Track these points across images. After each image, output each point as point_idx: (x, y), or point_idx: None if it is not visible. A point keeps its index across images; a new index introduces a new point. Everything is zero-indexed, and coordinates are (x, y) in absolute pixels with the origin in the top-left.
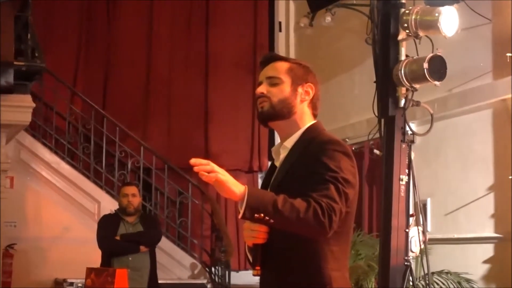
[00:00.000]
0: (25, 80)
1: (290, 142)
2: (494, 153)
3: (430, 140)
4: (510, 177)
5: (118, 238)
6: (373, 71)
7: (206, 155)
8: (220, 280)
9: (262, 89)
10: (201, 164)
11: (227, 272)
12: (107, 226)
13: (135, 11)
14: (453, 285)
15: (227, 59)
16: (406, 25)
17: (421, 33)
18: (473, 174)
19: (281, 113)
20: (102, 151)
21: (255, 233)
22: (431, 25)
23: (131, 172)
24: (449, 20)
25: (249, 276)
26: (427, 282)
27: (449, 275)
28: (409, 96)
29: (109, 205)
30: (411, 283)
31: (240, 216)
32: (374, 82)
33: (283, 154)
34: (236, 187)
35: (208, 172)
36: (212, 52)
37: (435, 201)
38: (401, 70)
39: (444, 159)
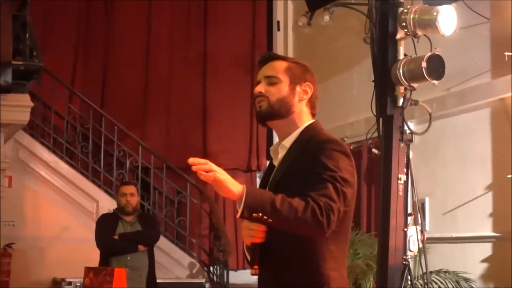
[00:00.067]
0: (24, 79)
1: (288, 141)
2: (493, 152)
3: (428, 139)
4: (509, 176)
5: (116, 237)
6: (372, 70)
7: (205, 155)
8: (218, 279)
9: (260, 88)
10: (199, 163)
11: (225, 271)
12: (105, 225)
13: (133, 10)
14: (451, 284)
15: (225, 59)
16: (404, 24)
17: (419, 32)
18: (472, 173)
19: (279, 112)
20: (100, 151)
21: (253, 232)
22: (430, 24)
23: (130, 171)
24: (447, 19)
25: (247, 276)
26: (426, 281)
27: (447, 274)
28: (408, 95)
29: (108, 204)
30: (409, 282)
31: (238, 215)
32: (373, 81)
33: (281, 153)
34: (235, 187)
35: (207, 172)
36: (210, 52)
37: (434, 200)
38: (399, 69)
39: (443, 158)
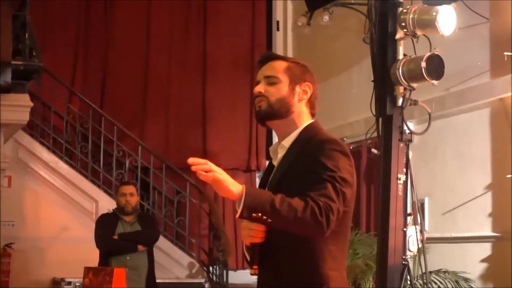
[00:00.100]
0: (23, 79)
1: (288, 141)
2: (492, 152)
3: (428, 139)
4: (508, 176)
5: (116, 237)
6: (371, 70)
7: (204, 154)
8: (218, 279)
9: (260, 88)
10: (198, 163)
11: (225, 271)
12: (105, 225)
13: (133, 10)
14: (450, 284)
15: (225, 59)
16: (404, 24)
17: (419, 32)
18: (471, 173)
19: (279, 112)
20: (100, 151)
21: (252, 232)
22: (429, 24)
23: (129, 171)
24: (446, 19)
25: (247, 275)
26: (425, 281)
27: (446, 274)
28: (407, 95)
29: (107, 204)
30: (408, 282)
31: (237, 215)
32: (372, 81)
33: (281, 153)
34: (234, 187)
35: (206, 171)
36: (210, 52)
37: (433, 200)
38: (399, 69)
39: (442, 158)
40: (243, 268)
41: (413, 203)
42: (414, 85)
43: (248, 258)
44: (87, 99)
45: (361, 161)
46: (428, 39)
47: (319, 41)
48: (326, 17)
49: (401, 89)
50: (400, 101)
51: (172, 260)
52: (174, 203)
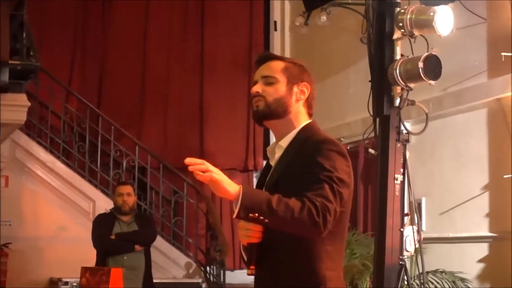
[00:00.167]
0: (20, 79)
1: (285, 142)
2: (489, 152)
3: (425, 139)
4: (505, 176)
5: (113, 237)
6: (368, 70)
7: (202, 154)
8: (215, 279)
9: (257, 88)
10: (196, 164)
11: (222, 271)
12: (102, 225)
13: (130, 10)
14: (448, 284)
15: (222, 59)
16: (401, 24)
17: (416, 33)
18: (468, 173)
19: (276, 112)
20: (97, 150)
21: (250, 232)
22: (426, 24)
23: (126, 171)
24: (444, 19)
25: (244, 275)
26: (422, 281)
27: (444, 274)
28: (404, 95)
29: (104, 204)
30: (405, 282)
31: (235, 215)
32: (369, 81)
33: (278, 153)
34: (231, 187)
35: (203, 172)
36: (207, 52)
37: (430, 200)
38: (396, 69)
39: (439, 158)
40: (240, 268)
41: (410, 203)
42: (412, 85)
43: (245, 258)
44: (85, 99)
45: (358, 161)
46: (426, 39)
47: (317, 41)
48: (323, 17)
49: (398, 89)
50: (397, 101)
51: (169, 260)
52: (171, 203)
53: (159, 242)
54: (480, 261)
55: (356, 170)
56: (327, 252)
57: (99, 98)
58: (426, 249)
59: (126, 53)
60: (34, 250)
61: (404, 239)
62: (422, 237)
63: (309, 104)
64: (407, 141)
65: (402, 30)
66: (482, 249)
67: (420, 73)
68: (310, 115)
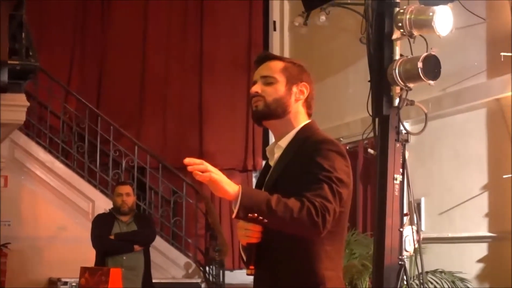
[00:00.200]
0: (20, 79)
1: (284, 142)
2: (489, 152)
3: (424, 139)
4: (505, 176)
5: (112, 237)
6: (368, 70)
7: (201, 154)
8: (214, 279)
9: (256, 88)
10: (195, 164)
11: (221, 271)
12: (101, 225)
13: (130, 10)
14: (447, 284)
15: (222, 59)
16: (400, 24)
17: (415, 33)
18: (467, 173)
19: (275, 112)
20: (96, 150)
21: (249, 233)
22: (426, 25)
23: (126, 171)
24: (443, 19)
25: (243, 275)
26: (421, 281)
27: (443, 274)
28: (403, 95)
29: (103, 204)
30: (405, 283)
31: (234, 215)
32: (369, 81)
33: (277, 153)
34: (230, 187)
35: (202, 172)
36: (207, 52)
37: (429, 200)
38: (395, 69)
39: (439, 158)
40: (240, 268)
41: (409, 203)
42: (411, 85)
43: (245, 258)
44: (84, 99)
45: (357, 161)
46: (425, 39)
47: (316, 41)
48: (322, 17)
49: (397, 89)
50: (396, 101)
51: (168, 260)
52: (170, 203)
53: (158, 242)
54: (479, 261)
55: (356, 170)
56: (326, 252)
57: (98, 98)
58: (425, 249)
59: (126, 53)
60: (33, 250)
61: (403, 239)
62: (421, 237)
63: (308, 104)
64: (407, 141)
65: (402, 30)
66: (482, 249)
67: (419, 73)
68: (309, 115)
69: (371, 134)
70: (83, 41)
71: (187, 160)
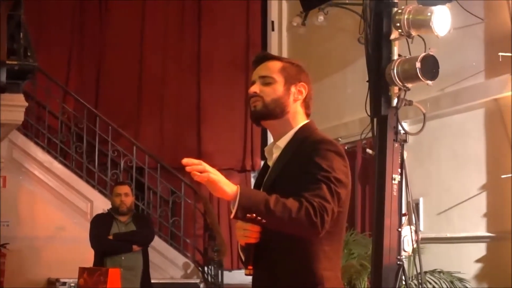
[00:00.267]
0: (18, 79)
1: (283, 142)
2: (487, 152)
3: (422, 140)
4: (503, 176)
5: (111, 237)
6: (366, 70)
7: (199, 155)
8: (213, 280)
9: (255, 88)
10: (193, 164)
11: (220, 272)
12: (100, 225)
13: (127, 10)
14: (445, 284)
15: (220, 59)
16: (398, 24)
17: (413, 33)
18: (466, 173)
19: (274, 112)
20: (94, 151)
21: (247, 233)
22: (424, 25)
23: (124, 171)
24: (441, 19)
25: (241, 276)
26: (420, 281)
27: (441, 274)
28: (402, 96)
29: (102, 204)
30: (403, 283)
31: (232, 216)
32: (367, 81)
33: (276, 153)
34: (228, 187)
35: (200, 172)
36: (204, 52)
37: (428, 200)
38: (393, 69)
39: (437, 158)
40: (238, 268)
41: (407, 203)
42: (409, 85)
43: (243, 258)
44: (82, 99)
45: (356, 161)
46: (423, 39)
47: (314, 41)
48: (321, 17)
49: (396, 89)
50: (395, 101)
51: (167, 260)
52: (169, 203)
53: (157, 242)
54: (477, 261)
55: (354, 170)
56: (324, 252)
57: (96, 98)
58: (423, 249)
59: (123, 53)
60: (32, 251)
61: (402, 239)
62: (419, 237)
63: (306, 104)
64: (405, 141)
65: (400, 30)
66: (480, 249)
67: (417, 73)
68: (307, 115)
69: (370, 134)
70: (81, 41)
71: (185, 160)
